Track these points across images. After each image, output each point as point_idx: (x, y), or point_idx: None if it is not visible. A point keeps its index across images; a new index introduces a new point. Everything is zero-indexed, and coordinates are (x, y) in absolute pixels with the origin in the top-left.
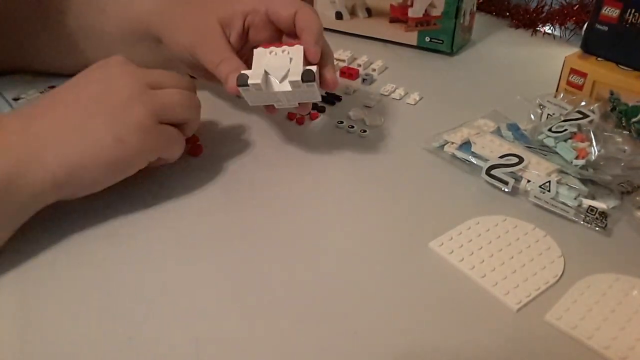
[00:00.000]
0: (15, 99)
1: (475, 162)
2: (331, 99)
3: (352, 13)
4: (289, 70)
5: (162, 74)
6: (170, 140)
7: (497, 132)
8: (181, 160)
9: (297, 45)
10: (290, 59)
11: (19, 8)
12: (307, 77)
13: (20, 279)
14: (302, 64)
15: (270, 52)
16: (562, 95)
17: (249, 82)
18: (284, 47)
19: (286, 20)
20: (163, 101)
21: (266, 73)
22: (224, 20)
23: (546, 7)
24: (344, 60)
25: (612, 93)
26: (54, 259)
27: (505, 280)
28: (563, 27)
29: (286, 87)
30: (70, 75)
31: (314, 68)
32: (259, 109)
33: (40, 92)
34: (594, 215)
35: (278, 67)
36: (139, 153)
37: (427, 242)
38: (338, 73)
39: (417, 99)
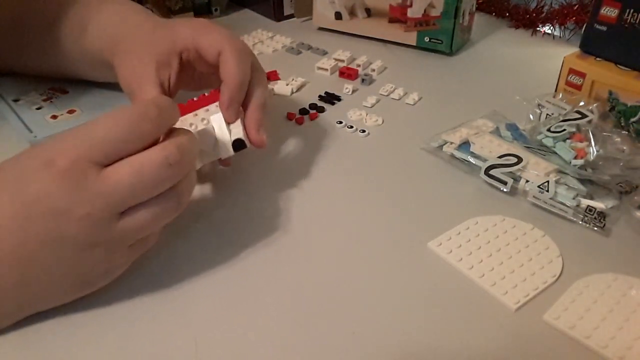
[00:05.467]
0: (15, 100)
1: (474, 162)
2: (331, 99)
3: (352, 13)
4: (216, 140)
5: (117, 131)
6: (147, 244)
7: (496, 132)
8: None
9: (215, 107)
10: (213, 127)
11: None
12: (238, 147)
13: None
14: (226, 128)
15: (191, 125)
16: (561, 95)
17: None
18: (207, 107)
19: (213, 61)
20: (131, 229)
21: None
22: (161, 60)
23: (546, 7)
24: (343, 61)
25: (610, 93)
26: None
27: (503, 280)
28: (563, 27)
29: (229, 152)
30: (61, 78)
31: (240, 133)
32: None
33: (40, 94)
34: (593, 215)
35: (206, 142)
36: (113, 276)
37: (426, 242)
38: (337, 73)
39: (416, 99)
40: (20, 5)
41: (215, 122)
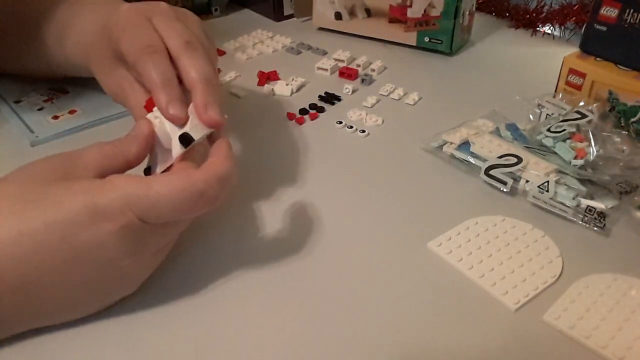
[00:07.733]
0: (16, 102)
1: (474, 162)
2: (331, 99)
3: (352, 13)
4: (170, 139)
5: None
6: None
7: (496, 132)
8: None
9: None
10: (165, 125)
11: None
12: (186, 143)
13: None
14: (169, 127)
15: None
16: (561, 95)
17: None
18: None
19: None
20: (167, 242)
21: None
22: (121, 58)
23: (546, 7)
24: (343, 61)
25: (610, 93)
26: None
27: (503, 280)
28: (563, 27)
29: (180, 149)
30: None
31: (187, 126)
32: (259, 110)
33: (41, 95)
34: (593, 215)
35: (162, 143)
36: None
37: (426, 242)
38: (337, 73)
39: (416, 99)
40: (3, 7)
41: (166, 120)
